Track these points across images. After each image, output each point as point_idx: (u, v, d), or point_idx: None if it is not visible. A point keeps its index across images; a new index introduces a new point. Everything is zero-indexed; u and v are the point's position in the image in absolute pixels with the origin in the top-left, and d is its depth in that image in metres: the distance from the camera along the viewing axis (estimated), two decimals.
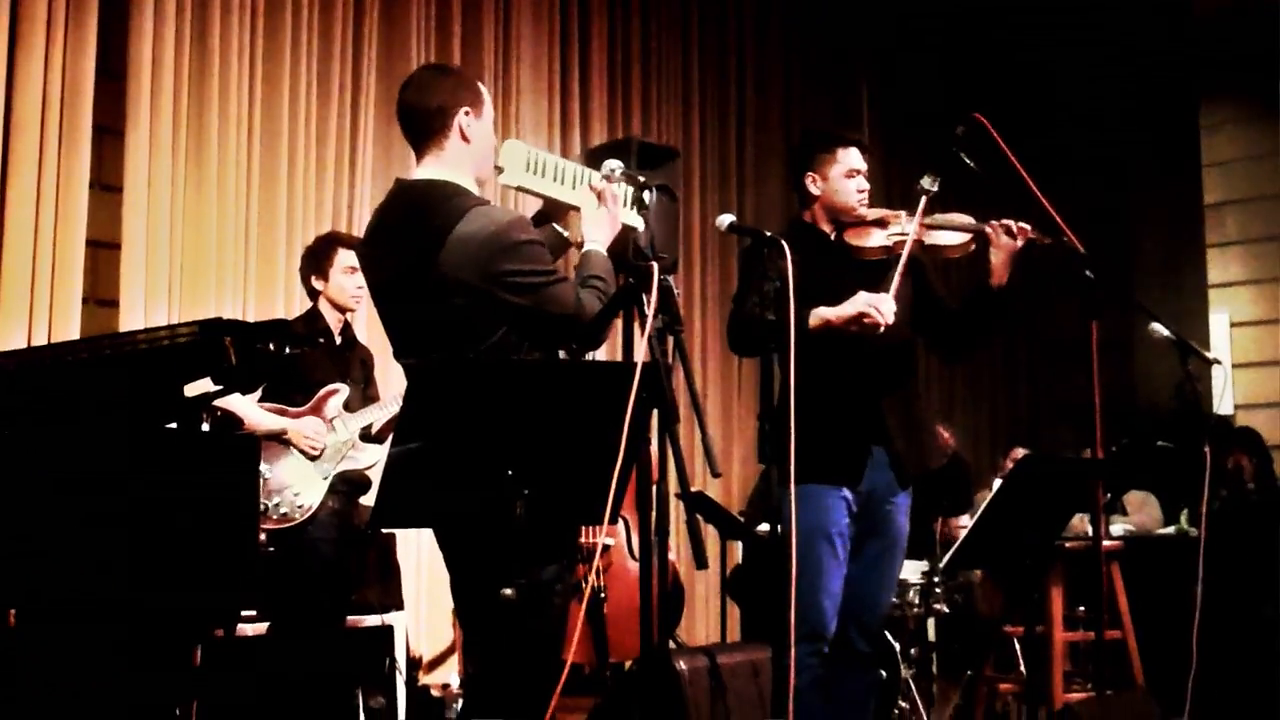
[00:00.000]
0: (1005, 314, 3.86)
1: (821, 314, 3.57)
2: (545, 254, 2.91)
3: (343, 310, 4.65)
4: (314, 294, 4.65)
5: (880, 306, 3.51)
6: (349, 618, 4.87)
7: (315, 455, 4.45)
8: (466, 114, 2.98)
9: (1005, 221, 3.72)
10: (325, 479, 4.45)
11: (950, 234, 3.76)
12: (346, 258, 4.57)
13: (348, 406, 4.55)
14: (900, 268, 3.60)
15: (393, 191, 3.08)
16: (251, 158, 5.64)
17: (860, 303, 3.53)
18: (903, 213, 3.75)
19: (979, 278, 3.78)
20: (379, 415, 4.57)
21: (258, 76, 5.69)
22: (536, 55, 6.92)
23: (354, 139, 6.08)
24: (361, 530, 4.58)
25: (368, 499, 4.53)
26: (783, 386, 3.16)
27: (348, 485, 4.53)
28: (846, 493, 3.64)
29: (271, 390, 4.49)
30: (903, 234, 3.67)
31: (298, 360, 4.42)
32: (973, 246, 3.77)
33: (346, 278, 4.58)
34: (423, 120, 2.99)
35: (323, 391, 4.52)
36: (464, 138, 2.98)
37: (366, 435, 4.58)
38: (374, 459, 4.54)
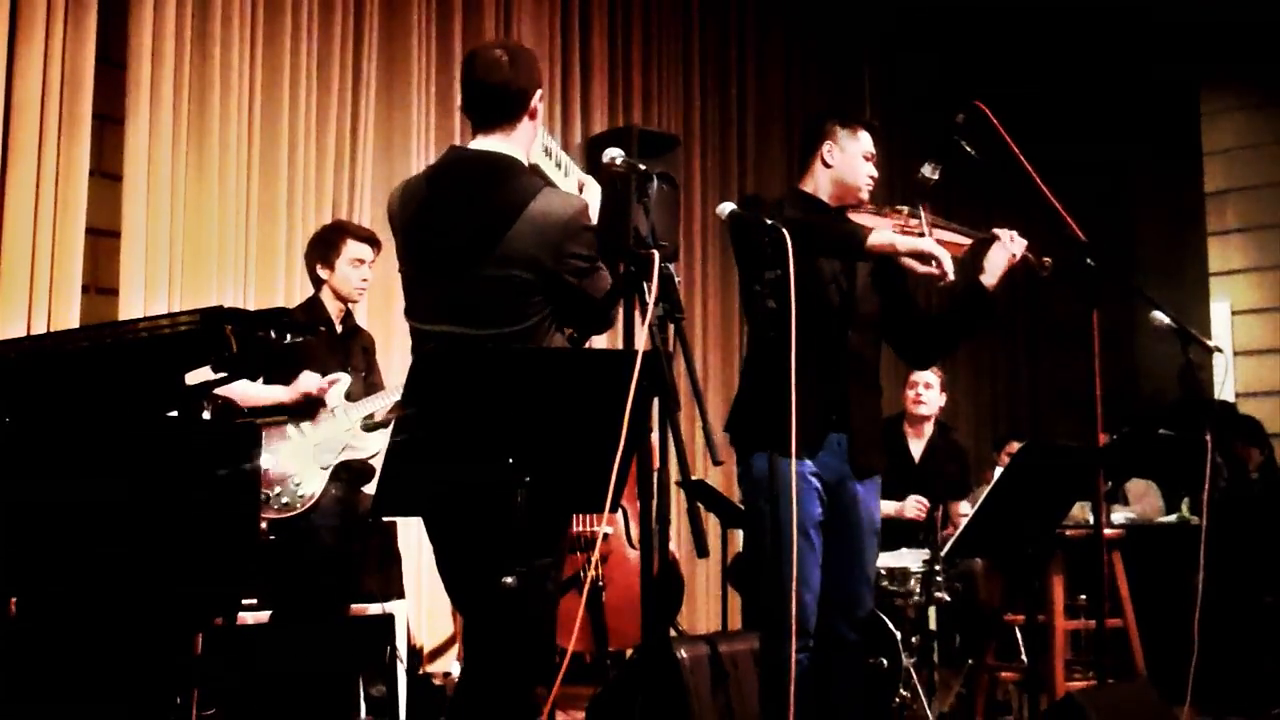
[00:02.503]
0: (989, 319, 3.81)
1: (888, 237, 3.45)
2: (595, 241, 2.95)
3: (346, 301, 4.64)
4: (318, 282, 4.64)
5: (948, 261, 3.43)
6: (350, 606, 4.88)
7: (322, 405, 4.44)
8: (539, 93, 3.03)
9: (1012, 231, 3.71)
10: (327, 468, 4.45)
11: (951, 234, 3.75)
12: (354, 249, 4.57)
13: (350, 395, 4.55)
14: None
15: (450, 159, 3.06)
16: (252, 146, 5.62)
17: (936, 246, 3.42)
18: (905, 208, 3.74)
19: (972, 276, 3.75)
20: (381, 404, 4.56)
21: (258, 65, 5.67)
22: (537, 42, 6.89)
23: (355, 127, 6.06)
24: (364, 518, 4.58)
25: (370, 487, 4.53)
26: (751, 360, 3.35)
27: (350, 474, 4.53)
28: (816, 483, 3.61)
29: (273, 380, 4.48)
30: (907, 228, 3.66)
31: (299, 349, 4.42)
32: (965, 254, 3.76)
33: (353, 269, 4.57)
34: (510, 100, 2.98)
35: (325, 380, 4.51)
36: (533, 115, 3.02)
37: (370, 423, 4.58)
38: (376, 448, 4.53)
